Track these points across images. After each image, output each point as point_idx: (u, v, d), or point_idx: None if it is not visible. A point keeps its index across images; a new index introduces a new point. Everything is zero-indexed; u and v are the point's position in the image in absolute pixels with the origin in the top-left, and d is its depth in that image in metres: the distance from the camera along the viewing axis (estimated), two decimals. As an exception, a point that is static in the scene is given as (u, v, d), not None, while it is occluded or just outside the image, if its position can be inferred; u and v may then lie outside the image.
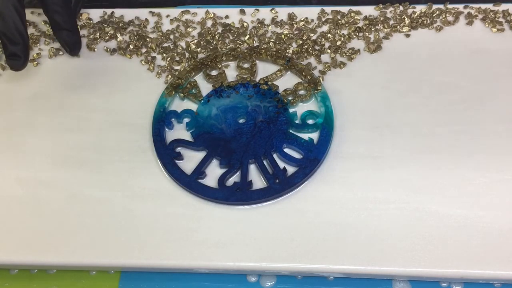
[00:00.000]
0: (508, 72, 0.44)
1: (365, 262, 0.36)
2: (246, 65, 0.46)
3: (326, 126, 0.41)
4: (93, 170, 0.41)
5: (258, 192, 0.39)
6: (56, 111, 0.45)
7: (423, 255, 0.36)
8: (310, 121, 0.42)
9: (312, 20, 0.49)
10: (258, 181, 0.40)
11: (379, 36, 0.47)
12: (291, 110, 0.43)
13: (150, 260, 0.37)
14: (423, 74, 0.45)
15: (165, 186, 0.40)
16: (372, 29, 0.48)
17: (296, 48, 0.47)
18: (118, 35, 0.50)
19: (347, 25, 0.48)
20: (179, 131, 0.43)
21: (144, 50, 0.49)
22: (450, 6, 0.49)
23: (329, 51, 0.47)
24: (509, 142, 0.40)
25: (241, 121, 0.43)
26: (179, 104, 0.45)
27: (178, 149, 0.42)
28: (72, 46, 0.46)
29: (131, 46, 0.49)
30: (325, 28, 0.49)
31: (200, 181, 0.40)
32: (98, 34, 0.50)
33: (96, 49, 0.49)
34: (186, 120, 0.44)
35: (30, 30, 0.51)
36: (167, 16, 0.51)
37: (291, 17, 0.49)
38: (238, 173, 0.40)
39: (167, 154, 0.41)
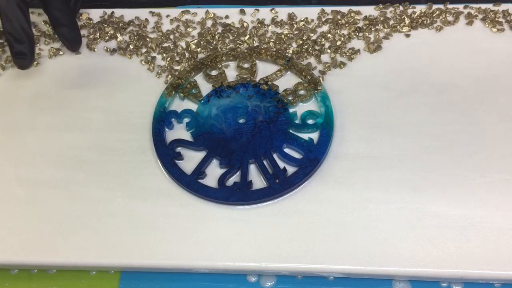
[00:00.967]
0: (508, 72, 0.44)
1: (365, 262, 0.36)
2: (246, 65, 0.46)
3: (326, 126, 0.41)
4: (93, 170, 0.41)
5: (258, 192, 0.39)
6: (56, 111, 0.45)
7: (423, 255, 0.36)
8: (310, 121, 0.42)
9: (312, 20, 0.49)
10: (258, 181, 0.40)
11: (379, 36, 0.47)
12: (291, 110, 0.43)
13: (150, 260, 0.37)
14: (423, 74, 0.45)
15: (165, 186, 0.40)
16: (372, 29, 0.48)
17: (296, 48, 0.47)
18: (118, 35, 0.50)
19: (347, 25, 0.48)
20: (179, 131, 0.43)
21: (144, 50, 0.49)
22: (450, 6, 0.49)
23: (329, 51, 0.47)
24: (509, 142, 0.40)
25: (241, 121, 0.43)
26: (179, 104, 0.45)
27: (178, 149, 0.42)
28: (72, 42, 0.46)
29: (131, 46, 0.49)
30: (325, 28, 0.49)
31: (200, 181, 0.40)
32: (98, 34, 0.50)
33: (96, 49, 0.49)
34: (186, 120, 0.44)
35: (30, 30, 0.51)
36: (167, 16, 0.51)
37: (291, 17, 0.49)
38: (238, 173, 0.40)
39: (167, 154, 0.41)
